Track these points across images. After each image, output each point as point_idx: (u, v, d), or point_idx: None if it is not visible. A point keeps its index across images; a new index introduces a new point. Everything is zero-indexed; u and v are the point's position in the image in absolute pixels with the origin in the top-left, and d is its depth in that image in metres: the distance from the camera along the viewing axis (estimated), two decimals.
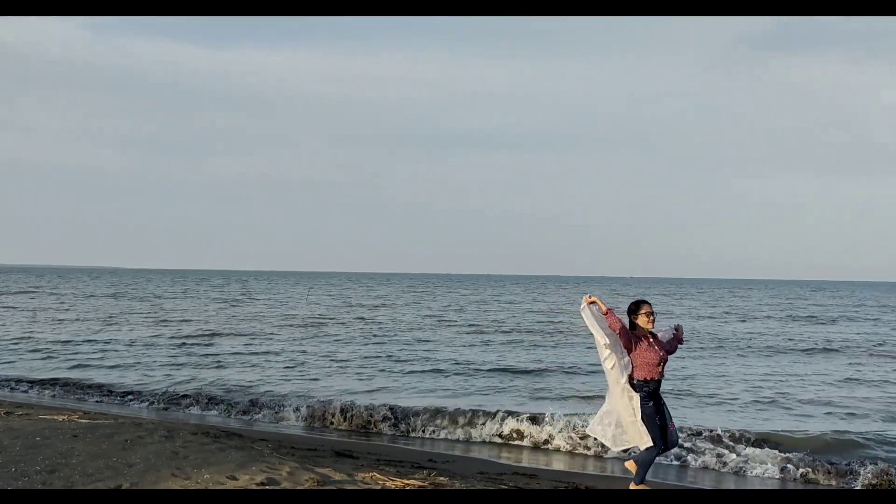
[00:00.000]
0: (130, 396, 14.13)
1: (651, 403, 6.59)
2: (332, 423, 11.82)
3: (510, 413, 11.26)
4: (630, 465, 6.71)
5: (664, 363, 6.72)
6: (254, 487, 5.88)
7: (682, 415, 11.79)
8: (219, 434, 8.60)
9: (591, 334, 6.77)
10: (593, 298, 6.78)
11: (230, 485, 6.00)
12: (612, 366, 6.66)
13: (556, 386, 15.21)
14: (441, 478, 6.62)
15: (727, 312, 42.91)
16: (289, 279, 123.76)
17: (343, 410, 11.99)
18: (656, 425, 6.57)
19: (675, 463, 9.49)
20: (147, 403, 13.62)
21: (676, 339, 6.93)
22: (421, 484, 6.24)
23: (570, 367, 17.66)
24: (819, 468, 9.17)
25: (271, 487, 5.91)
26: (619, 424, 6.65)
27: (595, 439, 10.22)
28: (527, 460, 9.55)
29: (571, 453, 10.07)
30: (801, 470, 9.12)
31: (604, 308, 6.71)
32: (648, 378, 6.60)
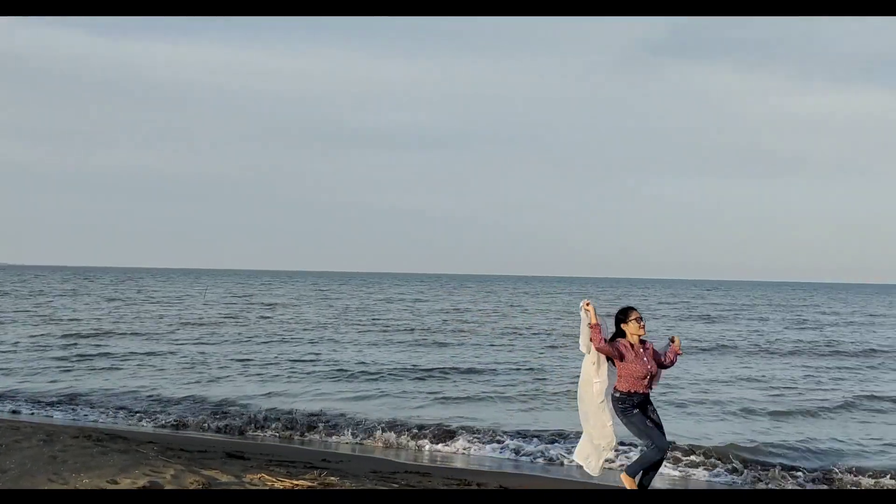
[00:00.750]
0: (8, 400, 13.41)
1: (637, 411, 6.46)
2: (227, 425, 11.51)
3: (417, 427, 11.11)
4: (625, 479, 6.53)
5: (651, 377, 6.51)
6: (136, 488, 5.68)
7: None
8: (102, 437, 8.27)
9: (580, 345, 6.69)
10: (590, 305, 6.63)
11: (112, 489, 5.78)
12: (596, 383, 6.59)
13: (457, 386, 15.30)
14: (332, 477, 6.54)
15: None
16: (185, 277, 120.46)
17: (241, 415, 11.75)
18: (648, 427, 6.43)
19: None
20: (30, 406, 12.97)
21: (672, 352, 6.70)
22: (310, 484, 6.16)
23: (473, 367, 17.78)
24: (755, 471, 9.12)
25: (154, 489, 5.72)
26: (595, 447, 6.63)
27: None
28: (426, 458, 9.53)
29: (466, 454, 10.10)
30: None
31: (593, 319, 6.52)
32: (632, 391, 6.44)
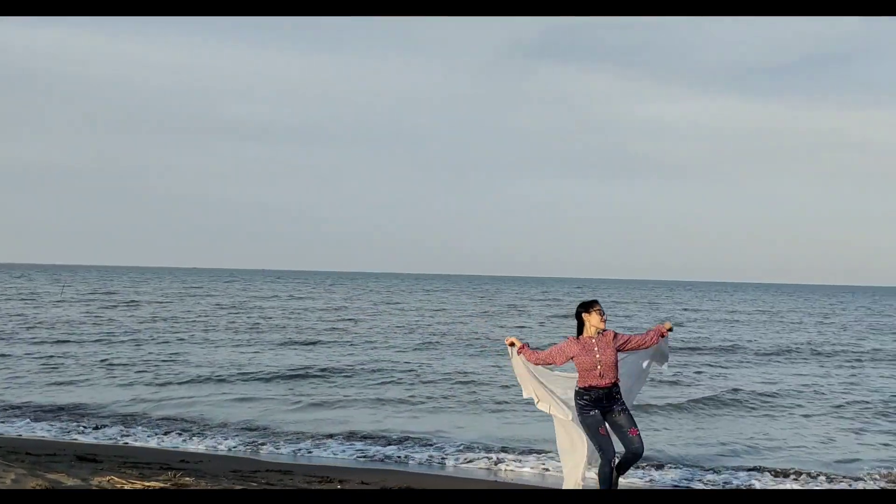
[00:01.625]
0: None
1: (594, 412, 6.27)
2: (79, 427, 10.96)
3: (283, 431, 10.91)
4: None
5: (604, 366, 6.25)
6: None
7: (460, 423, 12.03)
8: None
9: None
10: (512, 340, 6.66)
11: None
12: (550, 408, 6.64)
13: (323, 388, 15.15)
14: (187, 478, 6.36)
15: (508, 310, 44.92)
16: (43, 273, 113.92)
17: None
18: (598, 434, 6.24)
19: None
20: None
21: (656, 331, 6.53)
22: (163, 485, 5.95)
23: (344, 367, 17.66)
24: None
25: None
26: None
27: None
28: (286, 458, 9.39)
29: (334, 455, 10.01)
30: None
31: (518, 345, 6.58)
32: (587, 385, 6.27)
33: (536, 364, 6.59)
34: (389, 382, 15.33)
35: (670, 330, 6.72)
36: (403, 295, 62.06)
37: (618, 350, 6.38)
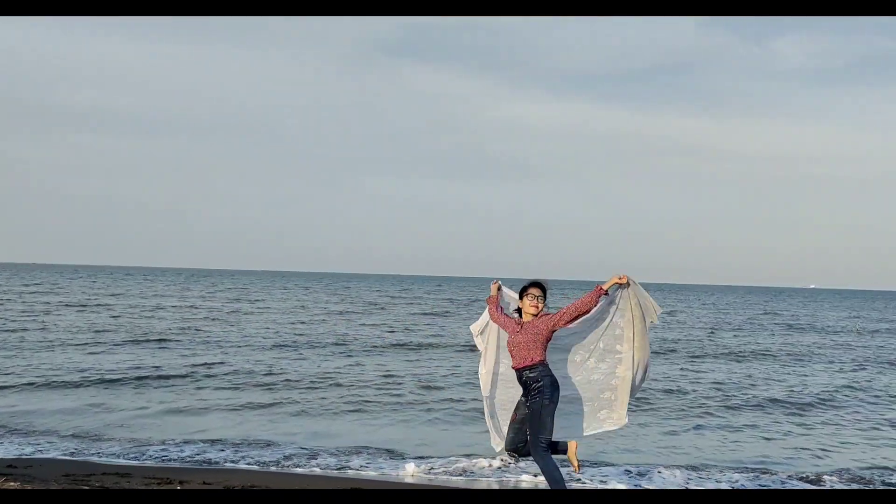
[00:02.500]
0: None
1: (521, 397, 6.23)
2: None
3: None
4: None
5: (515, 346, 6.14)
6: None
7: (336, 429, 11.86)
8: None
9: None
10: (496, 283, 6.61)
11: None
12: (483, 373, 6.54)
13: (167, 392, 14.64)
14: (12, 483, 6.03)
15: (369, 308, 44.75)
16: None
17: None
18: (512, 417, 6.28)
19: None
20: None
21: (592, 294, 6.24)
22: None
23: (201, 368, 17.14)
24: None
25: None
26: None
27: None
28: (122, 460, 9.03)
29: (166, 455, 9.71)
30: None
31: (493, 292, 6.56)
32: (513, 367, 6.22)
33: (493, 320, 6.47)
34: (242, 384, 14.96)
35: (625, 284, 6.32)
36: (261, 293, 60.78)
37: (553, 329, 6.21)
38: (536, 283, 6.36)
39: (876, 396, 15.86)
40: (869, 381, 18.10)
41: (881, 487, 8.81)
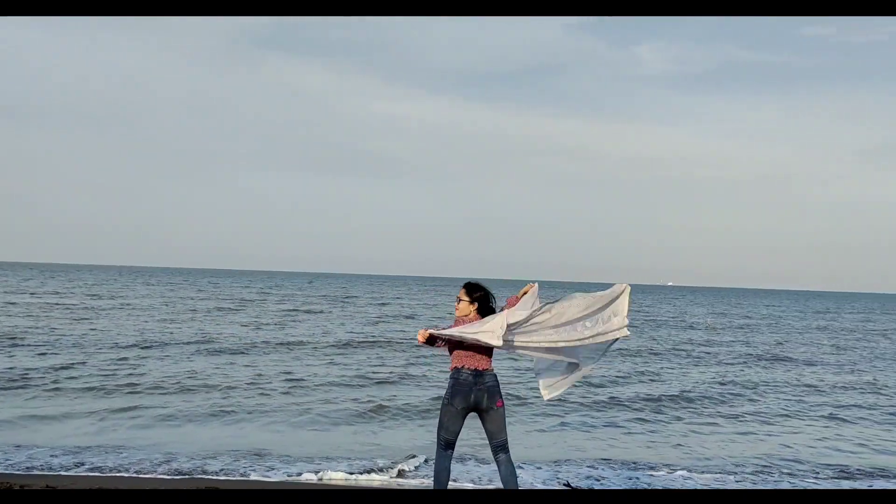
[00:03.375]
0: None
1: None
2: None
3: None
4: None
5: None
6: None
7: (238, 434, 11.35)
8: None
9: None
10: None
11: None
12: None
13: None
14: None
15: (242, 304, 43.59)
16: None
17: None
18: None
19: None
20: None
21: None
22: None
23: (57, 369, 16.15)
24: None
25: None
26: None
27: None
28: None
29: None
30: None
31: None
32: None
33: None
34: (100, 386, 14.19)
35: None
36: (124, 289, 58.24)
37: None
38: (464, 284, 6.22)
39: (744, 389, 16.69)
40: (737, 375, 19.05)
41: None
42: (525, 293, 6.05)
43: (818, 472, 9.76)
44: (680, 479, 9.04)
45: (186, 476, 8.27)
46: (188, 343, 21.63)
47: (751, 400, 15.49)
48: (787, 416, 13.89)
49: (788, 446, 11.35)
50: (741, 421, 13.22)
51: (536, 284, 6.11)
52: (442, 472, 5.96)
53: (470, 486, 8.37)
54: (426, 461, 9.26)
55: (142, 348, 19.95)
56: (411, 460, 9.35)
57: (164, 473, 8.37)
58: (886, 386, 18.41)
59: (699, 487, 8.72)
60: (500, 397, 5.98)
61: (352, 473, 8.64)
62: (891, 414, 14.49)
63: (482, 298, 6.13)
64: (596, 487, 8.50)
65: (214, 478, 8.24)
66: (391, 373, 17.07)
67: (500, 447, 6.05)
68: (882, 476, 9.68)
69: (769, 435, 12.18)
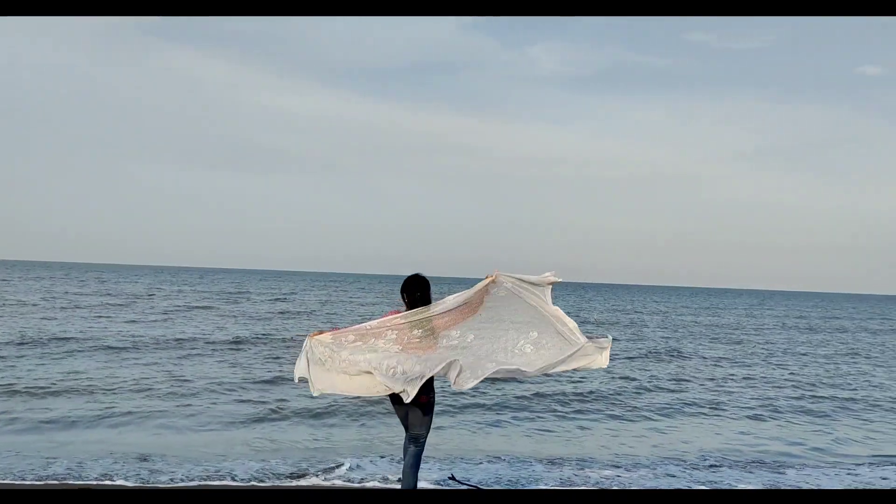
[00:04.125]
0: None
1: None
2: None
3: None
4: None
5: None
6: None
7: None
8: None
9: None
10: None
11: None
12: None
13: None
14: None
15: (131, 300, 41.97)
16: None
17: None
18: None
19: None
20: None
21: None
22: None
23: None
24: None
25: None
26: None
27: None
28: None
29: None
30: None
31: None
32: None
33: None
34: None
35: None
36: (6, 285, 55.18)
37: None
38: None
39: (636, 384, 17.21)
40: (631, 371, 19.61)
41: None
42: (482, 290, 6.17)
43: (697, 465, 10.18)
44: (570, 476, 9.26)
45: (61, 482, 7.93)
46: (70, 340, 20.70)
47: (637, 393, 16.02)
48: (669, 411, 14.43)
49: (685, 441, 11.78)
50: (630, 418, 13.64)
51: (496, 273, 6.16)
52: (404, 451, 6.36)
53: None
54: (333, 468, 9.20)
55: (18, 345, 18.98)
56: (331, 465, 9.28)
57: (35, 480, 8.00)
58: (764, 378, 19.39)
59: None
60: (426, 393, 6.06)
61: (248, 480, 8.48)
62: (762, 407, 15.27)
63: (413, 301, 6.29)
64: (486, 486, 8.62)
65: (93, 483, 7.94)
66: (282, 370, 16.82)
67: (412, 439, 6.23)
68: (757, 467, 10.19)
69: (656, 431, 12.63)
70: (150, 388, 14.09)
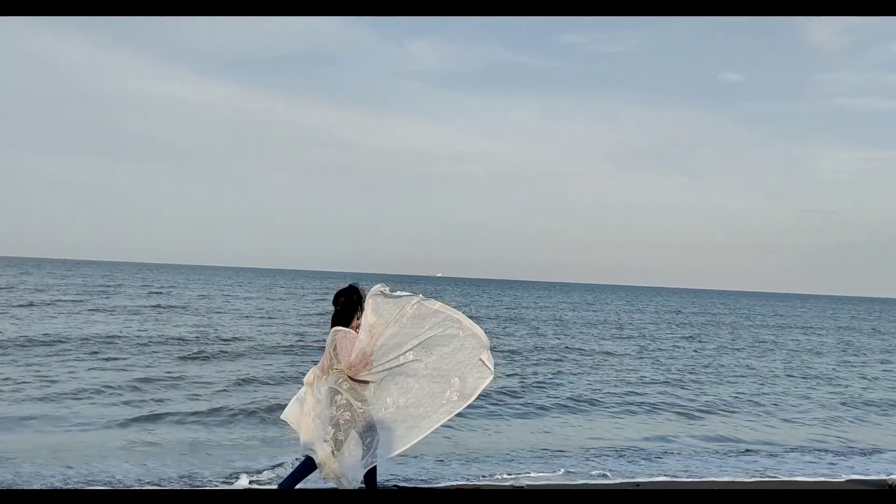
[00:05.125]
0: None
1: None
2: None
3: None
4: None
5: None
6: None
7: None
8: None
9: None
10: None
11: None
12: None
13: None
14: None
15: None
16: None
17: None
18: None
19: None
20: None
21: None
22: None
23: None
24: None
25: None
26: None
27: None
28: None
29: None
30: None
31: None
32: None
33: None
34: None
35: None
36: None
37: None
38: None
39: (545, 385, 17.39)
40: (540, 369, 19.86)
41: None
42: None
43: (589, 460, 10.44)
44: (452, 473, 9.32)
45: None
46: None
47: (540, 389, 16.32)
48: (565, 407, 14.75)
49: (598, 438, 12.06)
50: (526, 414, 13.83)
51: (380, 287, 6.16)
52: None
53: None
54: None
55: None
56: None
57: None
58: (644, 377, 20.14)
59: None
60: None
61: (130, 484, 8.12)
62: (638, 403, 15.86)
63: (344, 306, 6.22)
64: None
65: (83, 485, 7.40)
66: (168, 373, 16.13)
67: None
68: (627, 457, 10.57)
69: (541, 429, 12.90)
70: (16, 391, 13.22)
